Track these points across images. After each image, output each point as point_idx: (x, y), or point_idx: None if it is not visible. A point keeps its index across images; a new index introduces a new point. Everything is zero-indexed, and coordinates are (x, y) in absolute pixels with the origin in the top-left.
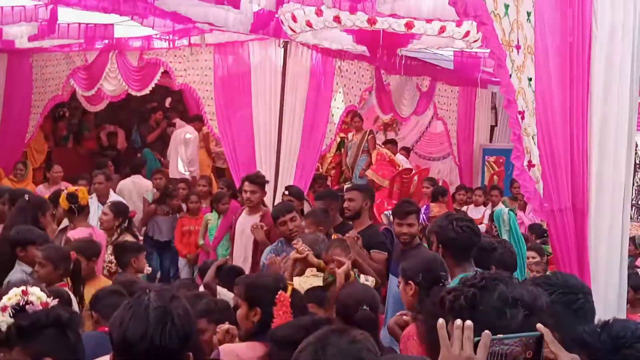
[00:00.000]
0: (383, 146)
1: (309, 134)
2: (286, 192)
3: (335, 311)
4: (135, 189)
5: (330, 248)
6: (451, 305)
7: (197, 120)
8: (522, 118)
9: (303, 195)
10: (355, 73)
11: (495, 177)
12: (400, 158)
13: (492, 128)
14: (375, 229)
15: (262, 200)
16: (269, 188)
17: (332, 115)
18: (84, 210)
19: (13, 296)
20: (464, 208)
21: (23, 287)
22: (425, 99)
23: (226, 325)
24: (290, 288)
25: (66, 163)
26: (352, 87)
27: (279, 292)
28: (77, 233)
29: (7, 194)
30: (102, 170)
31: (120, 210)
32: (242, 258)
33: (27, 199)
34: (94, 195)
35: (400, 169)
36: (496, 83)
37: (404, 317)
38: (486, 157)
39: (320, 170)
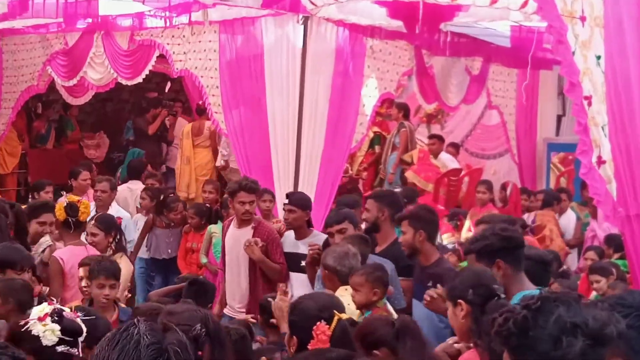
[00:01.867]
0: (425, 142)
1: (335, 128)
2: (286, 201)
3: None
4: (132, 197)
5: (353, 276)
6: (498, 330)
7: (202, 113)
8: (589, 104)
9: (308, 204)
10: (390, 54)
11: (562, 177)
12: (444, 158)
13: (559, 118)
14: (399, 247)
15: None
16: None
17: (364, 105)
18: (80, 226)
19: (43, 308)
20: (525, 215)
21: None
22: (477, 84)
23: None
24: (335, 319)
25: (45, 168)
26: (388, 71)
27: (318, 323)
28: (66, 253)
29: None
30: (107, 177)
31: (109, 225)
32: (236, 282)
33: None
34: (91, 205)
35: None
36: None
37: (456, 344)
38: (552, 153)
39: (350, 172)
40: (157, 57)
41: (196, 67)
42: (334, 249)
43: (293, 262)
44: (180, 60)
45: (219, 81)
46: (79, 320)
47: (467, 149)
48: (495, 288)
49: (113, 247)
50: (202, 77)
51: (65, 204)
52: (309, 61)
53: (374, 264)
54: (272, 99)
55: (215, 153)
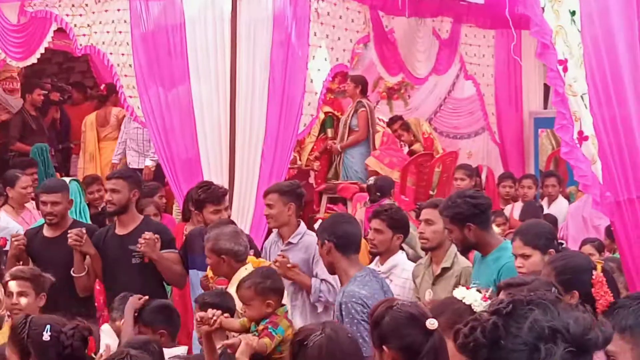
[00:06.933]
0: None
1: (278, 111)
2: None
3: None
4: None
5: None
6: (464, 342)
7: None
8: (565, 70)
9: None
10: (341, 17)
11: (554, 158)
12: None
13: (547, 88)
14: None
15: None
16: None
17: (312, 81)
18: None
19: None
20: (508, 207)
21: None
22: (448, 50)
23: None
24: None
25: None
26: (339, 39)
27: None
28: None
29: None
30: None
31: None
32: None
33: None
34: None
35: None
36: None
37: None
38: (539, 130)
39: (299, 162)
40: (56, 31)
41: (104, 43)
42: (218, 231)
43: None
44: (84, 35)
45: (132, 58)
46: None
47: (435, 128)
48: None
49: None
50: (111, 54)
51: None
52: (241, 30)
53: (259, 269)
54: (198, 78)
55: None
